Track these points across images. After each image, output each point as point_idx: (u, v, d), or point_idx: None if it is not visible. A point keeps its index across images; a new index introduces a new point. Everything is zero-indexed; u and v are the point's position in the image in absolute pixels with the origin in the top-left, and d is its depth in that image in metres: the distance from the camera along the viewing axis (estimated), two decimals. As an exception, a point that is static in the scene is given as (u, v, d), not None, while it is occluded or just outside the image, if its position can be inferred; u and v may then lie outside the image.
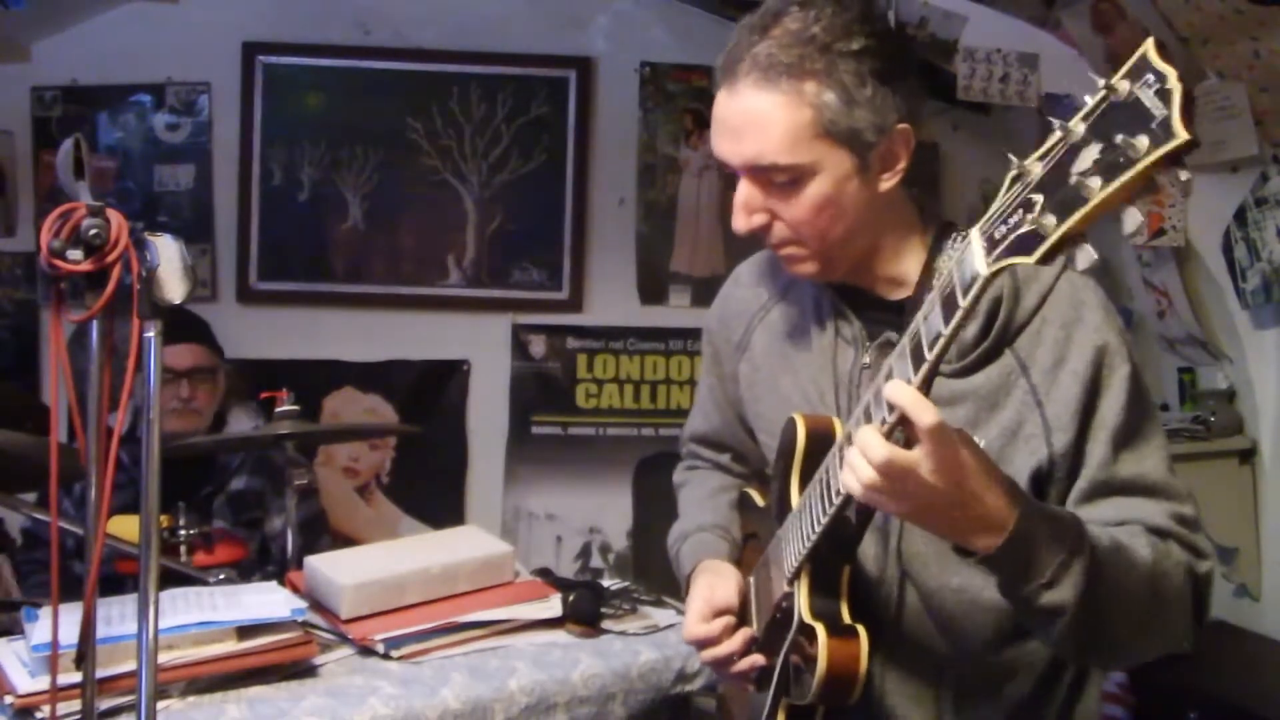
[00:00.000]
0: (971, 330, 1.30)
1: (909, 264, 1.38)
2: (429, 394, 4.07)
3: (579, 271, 4.08)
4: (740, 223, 1.34)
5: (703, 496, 1.68)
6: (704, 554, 1.58)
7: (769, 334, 1.52)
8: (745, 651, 1.44)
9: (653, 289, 4.11)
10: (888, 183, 1.32)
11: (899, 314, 1.35)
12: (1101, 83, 0.88)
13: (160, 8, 3.86)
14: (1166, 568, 1.23)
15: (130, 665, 1.59)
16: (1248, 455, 3.10)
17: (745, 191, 1.32)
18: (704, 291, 3.99)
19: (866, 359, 1.38)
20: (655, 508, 1.79)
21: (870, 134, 1.27)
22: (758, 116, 1.27)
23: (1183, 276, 3.18)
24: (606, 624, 2.10)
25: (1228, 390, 3.18)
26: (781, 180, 1.29)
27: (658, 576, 1.74)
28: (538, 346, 4.09)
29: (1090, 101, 0.89)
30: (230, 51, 3.93)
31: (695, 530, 1.63)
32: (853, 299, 1.41)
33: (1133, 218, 0.88)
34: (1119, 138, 0.85)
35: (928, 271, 1.35)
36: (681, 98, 4.05)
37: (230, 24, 3.92)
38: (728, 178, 1.34)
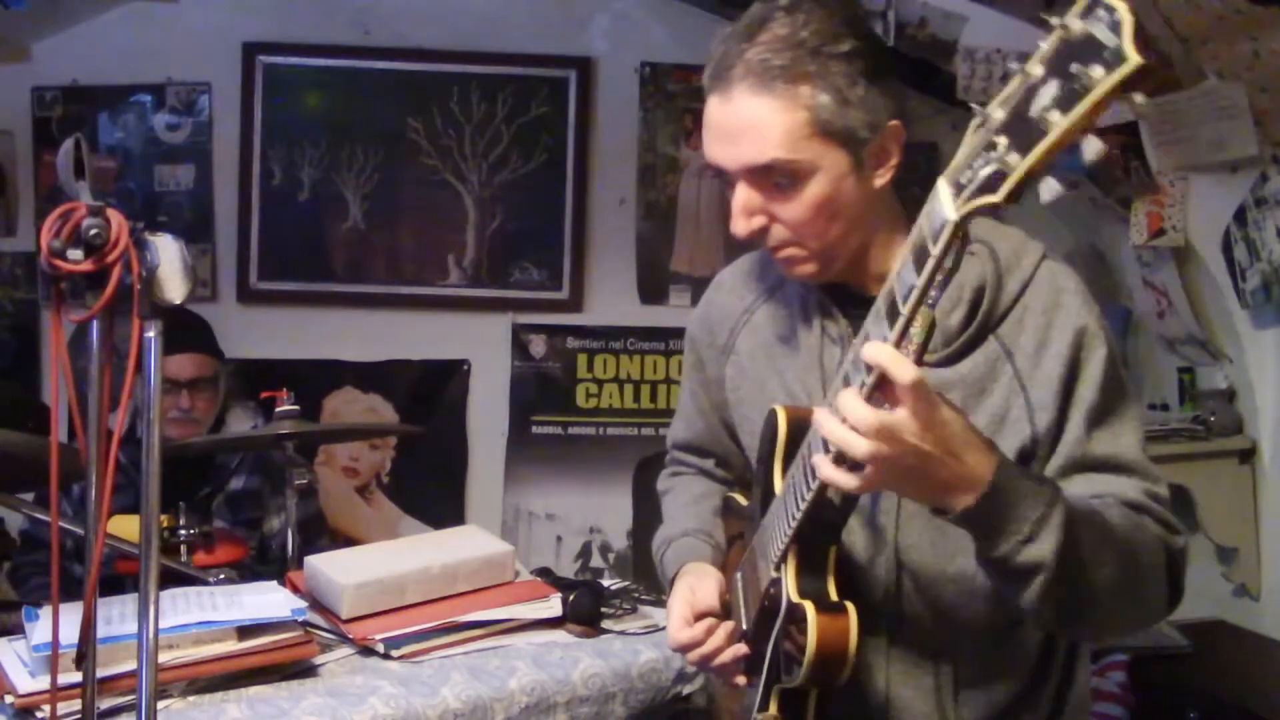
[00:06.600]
0: (956, 318, 1.32)
1: (898, 260, 1.38)
2: (429, 394, 4.07)
3: (579, 271, 4.08)
4: (740, 227, 1.34)
5: (686, 502, 1.69)
6: (687, 558, 1.59)
7: (754, 336, 1.53)
8: (731, 644, 1.44)
9: (653, 289, 4.11)
10: (881, 179, 1.33)
11: None
12: (1055, 22, 0.90)
13: (160, 8, 3.87)
14: (1141, 537, 1.25)
15: (130, 665, 1.59)
16: (1247, 455, 3.09)
17: (744, 195, 1.33)
18: (704, 291, 3.98)
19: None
20: (655, 507, 1.79)
21: (864, 131, 1.29)
22: (754, 120, 1.28)
23: (1182, 276, 3.17)
24: (606, 624, 2.10)
25: (1227, 390, 3.18)
26: (780, 181, 1.30)
27: (657, 576, 1.74)
28: (538, 346, 4.09)
29: (1046, 43, 0.90)
30: (230, 51, 3.93)
31: (679, 535, 1.63)
32: (839, 297, 1.42)
33: (1092, 146, 0.89)
34: (1075, 70, 0.88)
35: None
36: (681, 98, 4.05)
37: (230, 24, 3.92)
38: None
